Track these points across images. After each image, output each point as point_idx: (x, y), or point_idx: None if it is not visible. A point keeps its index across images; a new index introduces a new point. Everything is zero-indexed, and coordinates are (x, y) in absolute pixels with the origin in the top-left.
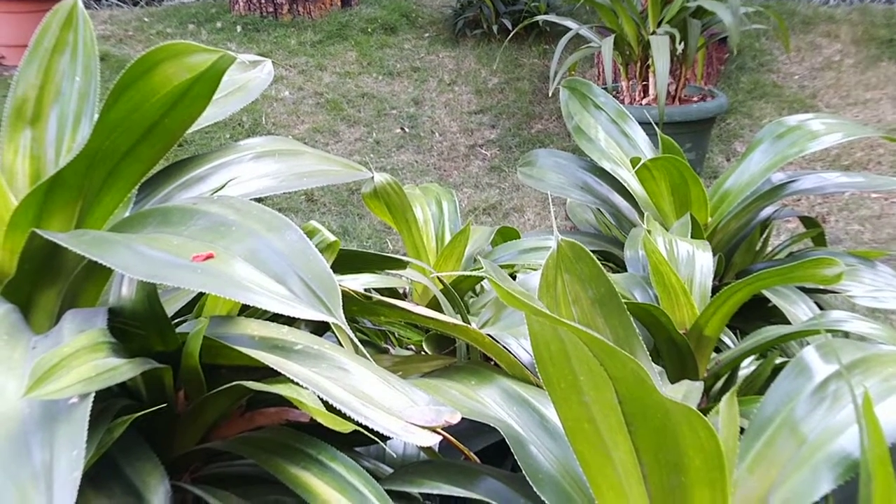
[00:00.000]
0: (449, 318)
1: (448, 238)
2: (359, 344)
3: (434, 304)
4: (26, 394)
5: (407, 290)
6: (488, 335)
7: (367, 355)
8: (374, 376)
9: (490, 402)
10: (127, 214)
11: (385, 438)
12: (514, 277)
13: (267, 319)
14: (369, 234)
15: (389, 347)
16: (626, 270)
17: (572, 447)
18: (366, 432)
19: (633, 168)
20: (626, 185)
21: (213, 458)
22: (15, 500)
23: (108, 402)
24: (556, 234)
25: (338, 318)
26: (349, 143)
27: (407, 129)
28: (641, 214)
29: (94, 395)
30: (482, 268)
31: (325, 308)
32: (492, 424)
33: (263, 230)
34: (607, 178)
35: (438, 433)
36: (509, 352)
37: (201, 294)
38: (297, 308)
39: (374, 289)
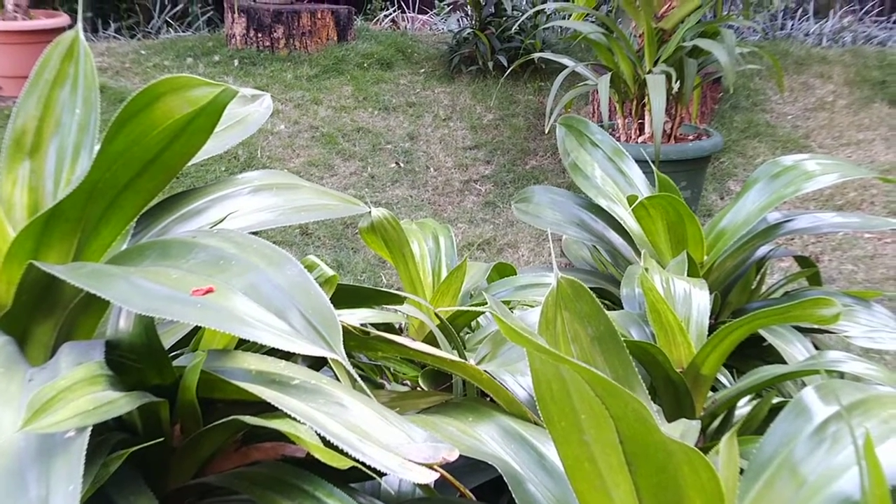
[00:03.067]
0: (446, 353)
1: (444, 273)
2: (358, 379)
3: (431, 340)
4: (23, 427)
5: (403, 326)
6: (486, 371)
7: (366, 390)
8: (372, 412)
9: (488, 439)
10: (125, 247)
11: (382, 474)
12: None
13: (264, 353)
14: (363, 268)
15: (385, 383)
16: (621, 308)
17: (572, 486)
18: (363, 468)
19: (630, 206)
20: (622, 222)
21: (208, 493)
22: None
23: (104, 436)
24: (556, 271)
25: (338, 354)
26: (344, 177)
27: (402, 164)
28: (637, 252)
29: (91, 428)
30: (479, 303)
31: (326, 343)
32: (489, 462)
33: (264, 264)
34: (603, 215)
35: (435, 470)
36: (507, 389)
37: (198, 327)
38: (297, 343)
39: (371, 324)
